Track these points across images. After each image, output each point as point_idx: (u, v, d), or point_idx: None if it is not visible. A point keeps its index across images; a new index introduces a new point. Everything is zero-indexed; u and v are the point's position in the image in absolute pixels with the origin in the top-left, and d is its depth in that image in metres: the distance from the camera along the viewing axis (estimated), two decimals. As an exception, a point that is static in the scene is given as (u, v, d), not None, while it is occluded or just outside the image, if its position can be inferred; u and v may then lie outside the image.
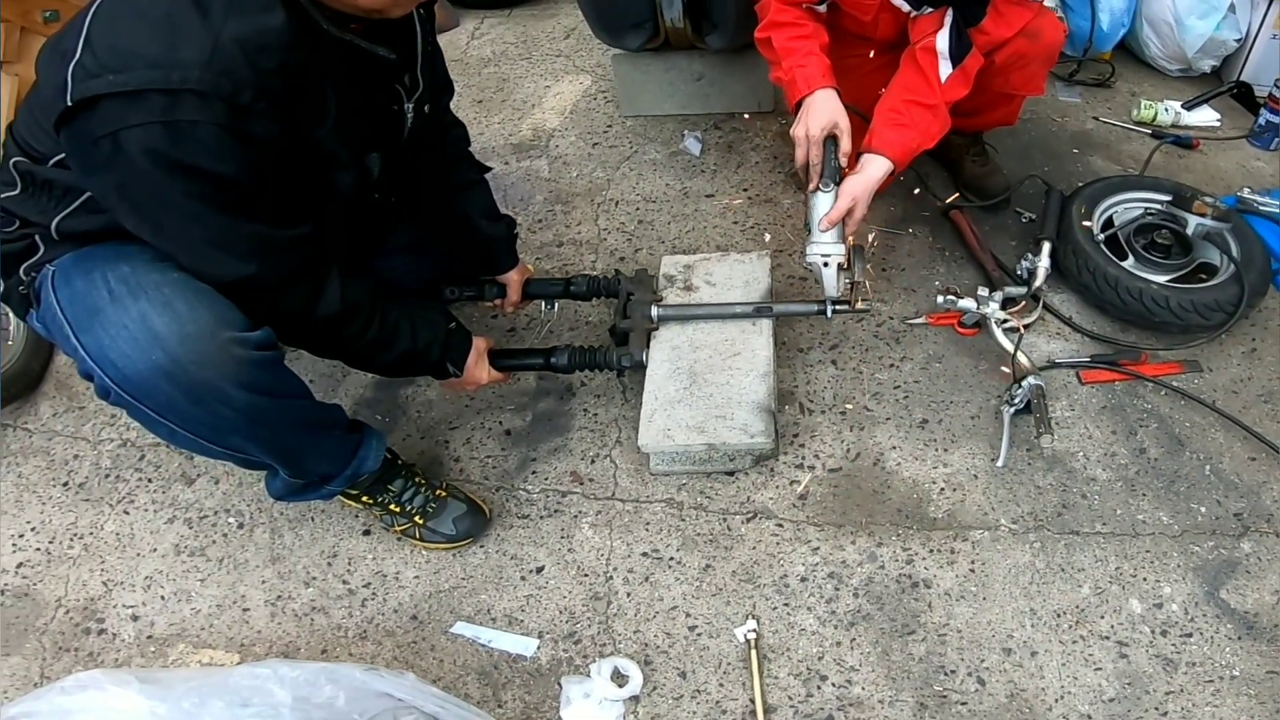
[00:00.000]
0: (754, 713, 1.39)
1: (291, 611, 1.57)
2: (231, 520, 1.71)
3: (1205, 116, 2.52)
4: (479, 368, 1.63)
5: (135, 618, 1.57)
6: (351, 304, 1.34)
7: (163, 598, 1.60)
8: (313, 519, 1.69)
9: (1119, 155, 2.39)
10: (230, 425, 1.26)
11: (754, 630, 1.48)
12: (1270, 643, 1.44)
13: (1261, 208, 2.13)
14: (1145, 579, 1.52)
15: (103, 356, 1.16)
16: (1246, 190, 2.18)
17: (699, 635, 1.49)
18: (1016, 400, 1.67)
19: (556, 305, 1.92)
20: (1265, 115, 2.40)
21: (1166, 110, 2.50)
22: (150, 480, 1.78)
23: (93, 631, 1.56)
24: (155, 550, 1.67)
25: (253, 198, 1.15)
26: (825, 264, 1.64)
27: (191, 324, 1.15)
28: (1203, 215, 1.93)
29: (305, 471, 1.48)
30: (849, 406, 1.83)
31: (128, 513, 1.72)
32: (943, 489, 1.68)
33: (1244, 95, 2.60)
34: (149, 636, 1.54)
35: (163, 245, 1.18)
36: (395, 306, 1.45)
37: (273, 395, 1.27)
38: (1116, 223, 2.03)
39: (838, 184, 1.64)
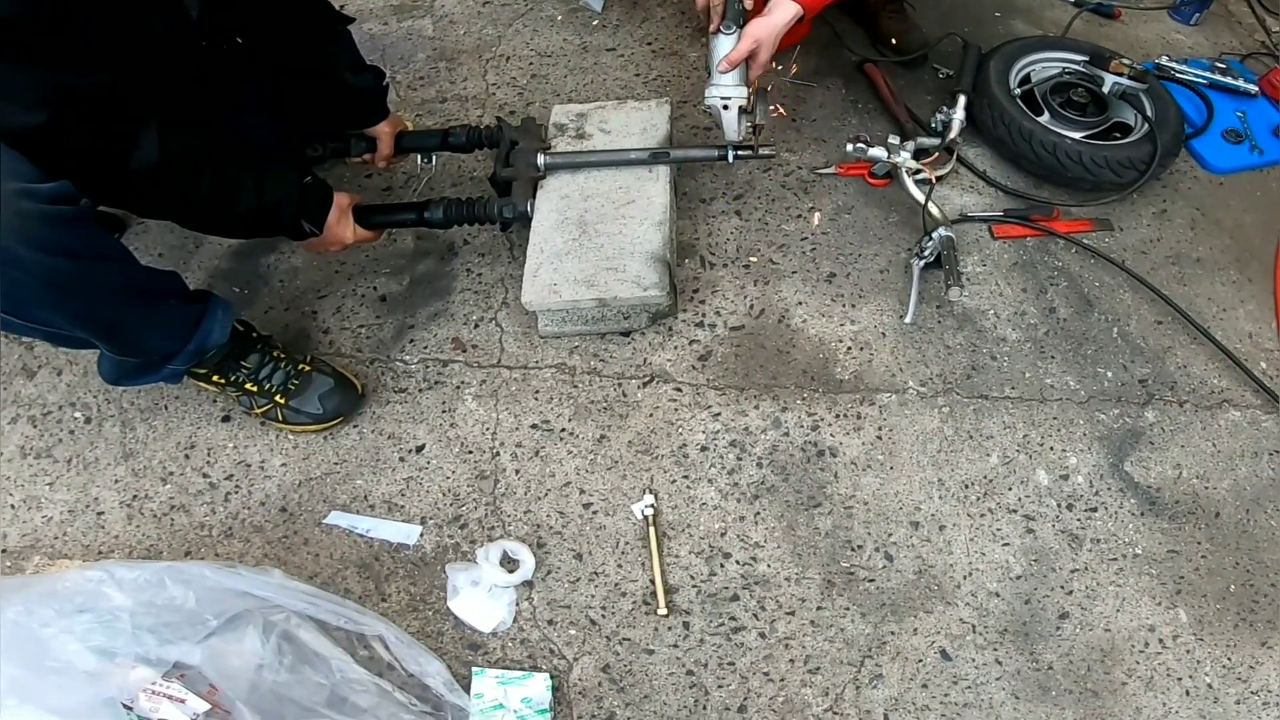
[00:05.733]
0: (654, 594, 1.32)
1: (150, 512, 1.42)
2: (78, 415, 1.53)
3: (1128, -10, 2.47)
4: (342, 226, 1.47)
5: (-14, 531, 1.40)
6: (174, 156, 1.19)
7: (12, 507, 1.43)
8: (166, 407, 1.53)
9: (1040, 20, 2.32)
10: (28, 293, 1.10)
11: (652, 506, 1.40)
12: (1171, 520, 1.43)
13: (1179, 75, 2.11)
14: (1052, 448, 1.50)
15: None
16: (1165, 58, 2.15)
17: (594, 513, 1.41)
18: (926, 253, 1.61)
19: (434, 159, 1.75)
20: (1188, -9, 2.36)
21: (1091, -20, 2.43)
22: (-11, 377, 1.57)
23: (-54, 549, 1.38)
24: (0, 454, 1.48)
25: (37, 41, 1.02)
26: (725, 106, 1.55)
27: None
28: (1119, 74, 1.88)
29: (137, 349, 1.33)
30: (753, 259, 1.73)
31: (-32, 415, 1.52)
32: (850, 348, 1.61)
33: (1168, -28, 2.54)
34: (3, 550, 1.38)
35: None
36: (237, 161, 1.30)
37: (76, 257, 1.11)
38: (1034, 80, 1.97)
39: (740, 26, 1.54)
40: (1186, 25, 2.38)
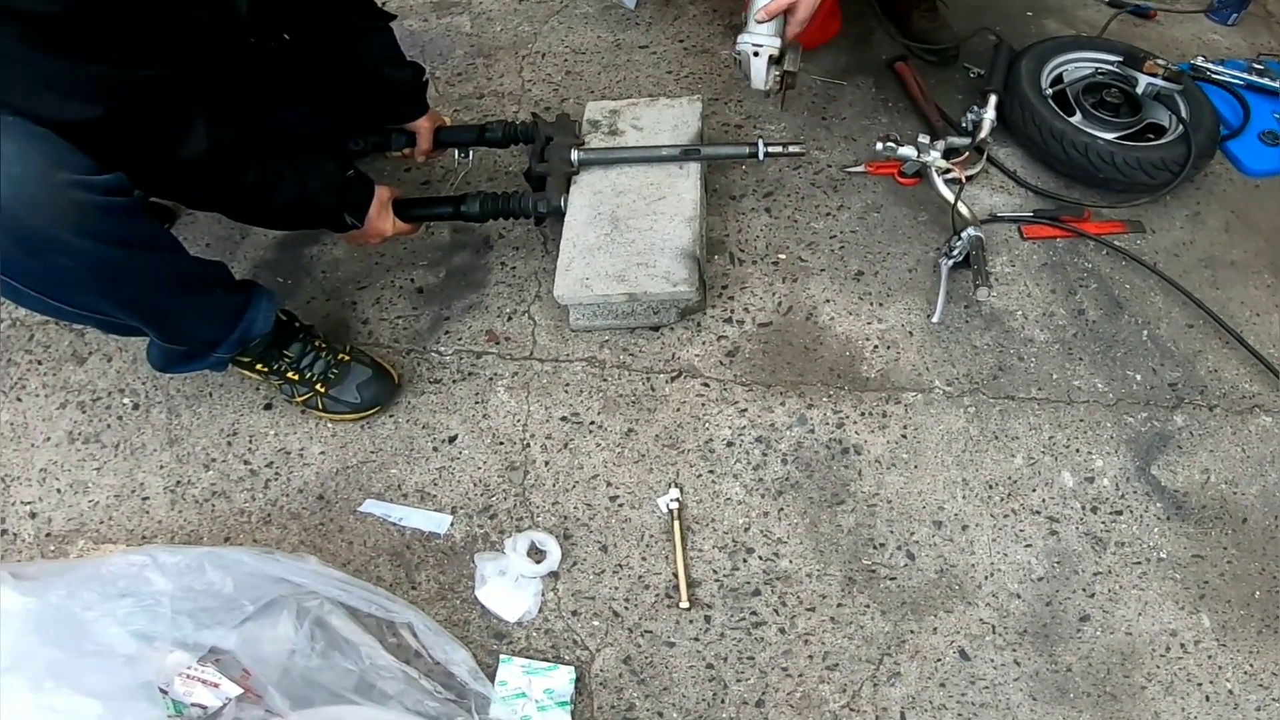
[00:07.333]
0: (677, 587, 1.34)
1: (192, 498, 1.46)
2: (126, 401, 1.56)
3: (1165, -11, 2.43)
4: (382, 218, 1.51)
5: (33, 515, 1.44)
6: (220, 146, 1.22)
7: (59, 491, 1.47)
8: (211, 395, 1.56)
9: (1074, 20, 2.29)
10: (75, 280, 1.14)
11: (677, 500, 1.41)
12: (1197, 525, 1.42)
13: (1214, 75, 2.08)
14: (1078, 450, 1.49)
15: None
16: (1201, 59, 2.12)
17: (620, 506, 1.42)
18: (955, 252, 1.61)
19: (472, 154, 1.78)
20: (1226, -9, 2.32)
21: (1126, -20, 2.40)
22: (41, 362, 1.61)
23: (-5, 533, 1.43)
24: (49, 439, 1.52)
25: (88, 37, 1.04)
26: (756, 53, 1.54)
27: (19, 165, 1.03)
28: (1154, 75, 1.86)
29: (183, 336, 1.36)
30: (782, 257, 1.74)
31: (20, 399, 1.57)
32: (876, 346, 1.61)
33: (1206, -28, 2.51)
34: (48, 534, 1.42)
35: None
36: (281, 154, 1.33)
37: (126, 246, 1.15)
38: (1066, 80, 1.95)
39: None
40: (1224, 26, 2.34)
